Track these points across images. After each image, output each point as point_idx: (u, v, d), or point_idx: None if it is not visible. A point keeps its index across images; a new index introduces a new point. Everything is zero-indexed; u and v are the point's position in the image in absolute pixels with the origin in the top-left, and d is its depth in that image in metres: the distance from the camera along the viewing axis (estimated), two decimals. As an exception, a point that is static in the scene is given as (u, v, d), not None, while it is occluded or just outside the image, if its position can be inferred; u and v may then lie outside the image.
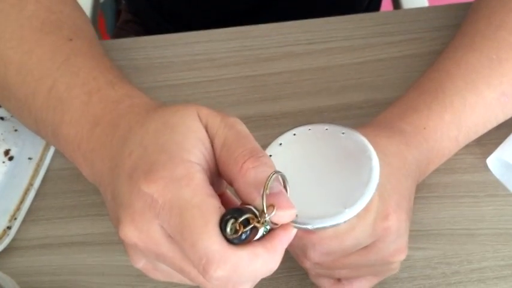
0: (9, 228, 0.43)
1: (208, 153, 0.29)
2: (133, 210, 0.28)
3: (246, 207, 0.27)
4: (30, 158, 0.46)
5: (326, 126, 0.35)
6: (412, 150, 0.39)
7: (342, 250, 0.34)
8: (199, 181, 0.28)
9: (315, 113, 0.48)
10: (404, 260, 0.40)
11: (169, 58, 0.52)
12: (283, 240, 0.28)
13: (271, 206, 0.27)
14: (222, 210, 0.27)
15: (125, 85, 0.36)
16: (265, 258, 0.27)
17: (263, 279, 0.29)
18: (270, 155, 0.33)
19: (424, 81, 0.42)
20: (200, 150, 0.29)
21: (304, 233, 0.33)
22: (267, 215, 0.27)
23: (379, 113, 0.42)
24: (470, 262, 0.41)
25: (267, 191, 0.27)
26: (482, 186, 0.43)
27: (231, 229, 0.27)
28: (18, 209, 0.44)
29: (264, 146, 0.32)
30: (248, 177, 0.28)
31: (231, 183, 0.29)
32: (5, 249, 0.43)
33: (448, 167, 0.44)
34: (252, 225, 0.27)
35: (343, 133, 0.35)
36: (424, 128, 0.40)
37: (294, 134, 0.35)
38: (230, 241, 0.27)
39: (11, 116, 0.48)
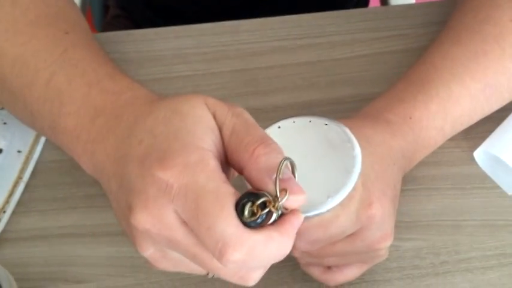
0: (-2, 220, 0.43)
1: (218, 142, 0.30)
2: (146, 196, 0.28)
3: (261, 192, 0.28)
4: (19, 151, 0.46)
5: (310, 119, 0.36)
6: (397, 139, 0.39)
7: (327, 238, 0.35)
8: (213, 167, 0.28)
9: (304, 106, 0.48)
10: (394, 250, 0.41)
11: (159, 52, 0.52)
12: (294, 225, 0.28)
13: (283, 191, 0.27)
14: (237, 195, 0.28)
15: (125, 77, 0.36)
16: (279, 242, 0.28)
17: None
18: None
19: (411, 73, 0.43)
20: (211, 138, 0.29)
21: None
22: (280, 199, 0.27)
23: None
24: (458, 252, 0.41)
25: (280, 176, 0.27)
26: (469, 179, 0.44)
27: (248, 212, 0.27)
28: (7, 202, 0.44)
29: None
30: (259, 163, 0.28)
31: (240, 171, 0.29)
32: (-5, 241, 0.42)
33: (436, 160, 0.45)
34: (269, 209, 0.27)
35: (326, 124, 0.35)
36: (410, 118, 0.40)
37: (279, 127, 0.36)
38: (246, 225, 0.27)
39: (1, 109, 0.47)
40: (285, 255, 0.28)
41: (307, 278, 0.40)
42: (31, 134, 0.46)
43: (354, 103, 0.48)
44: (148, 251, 0.30)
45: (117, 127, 0.32)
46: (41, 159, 0.46)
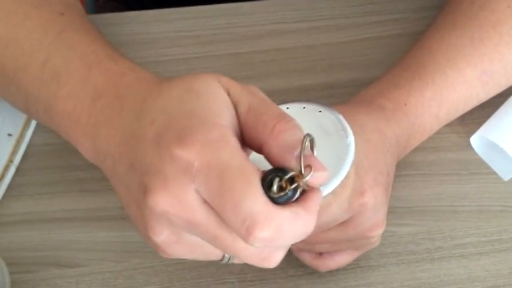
0: (-11, 204, 0.42)
1: (234, 120, 0.29)
2: (164, 176, 0.27)
3: (286, 168, 0.27)
4: (10, 134, 0.45)
5: (304, 105, 0.35)
6: (391, 126, 0.39)
7: (319, 226, 0.34)
8: (234, 144, 0.27)
9: (300, 91, 0.48)
10: (389, 236, 0.41)
11: (153, 34, 0.51)
12: (316, 202, 0.28)
13: (308, 167, 0.27)
14: (261, 172, 0.27)
15: (126, 59, 0.35)
16: (304, 219, 0.27)
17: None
18: None
19: (406, 59, 0.43)
20: (228, 116, 0.29)
21: None
22: (306, 175, 0.27)
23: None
24: (454, 238, 0.41)
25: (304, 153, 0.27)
26: (465, 164, 0.44)
27: (277, 187, 0.26)
28: (-3, 185, 0.43)
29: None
30: (281, 139, 0.28)
31: (259, 149, 0.29)
32: (-14, 225, 0.42)
33: (433, 145, 0.44)
34: (297, 184, 0.27)
35: (320, 111, 0.35)
36: (405, 104, 0.40)
37: None
38: (273, 201, 0.27)
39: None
40: (309, 233, 0.28)
41: (302, 263, 0.39)
42: (22, 117, 0.46)
43: (350, 88, 0.48)
44: (162, 235, 0.29)
45: (121, 109, 0.31)
46: (32, 142, 0.46)
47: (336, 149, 0.33)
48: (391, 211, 0.40)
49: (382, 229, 0.36)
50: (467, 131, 0.45)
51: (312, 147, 0.28)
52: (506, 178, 0.43)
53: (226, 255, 0.30)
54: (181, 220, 0.27)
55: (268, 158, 0.28)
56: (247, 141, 0.29)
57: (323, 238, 0.36)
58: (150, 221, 0.28)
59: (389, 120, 0.39)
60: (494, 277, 0.40)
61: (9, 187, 0.44)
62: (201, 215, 0.27)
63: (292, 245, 0.37)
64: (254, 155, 0.30)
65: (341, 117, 0.35)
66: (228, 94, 0.29)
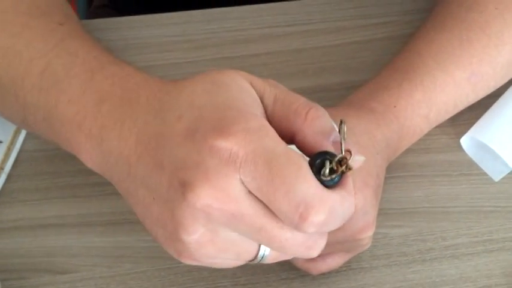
0: (-20, 211, 0.42)
1: (263, 111, 0.29)
2: (205, 168, 0.26)
3: (330, 152, 0.28)
4: (0, 142, 0.45)
5: None
6: (381, 128, 0.39)
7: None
8: (274, 132, 0.27)
9: (292, 94, 0.48)
10: (381, 237, 0.41)
11: (145, 39, 0.51)
12: (352, 186, 0.28)
13: (348, 152, 0.27)
14: (305, 157, 0.27)
15: (128, 64, 0.34)
16: (349, 202, 0.28)
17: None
18: None
19: (395, 61, 0.43)
20: (259, 107, 0.29)
21: None
22: (349, 158, 0.27)
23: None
24: (445, 239, 0.41)
25: (345, 136, 0.27)
26: (456, 166, 0.44)
27: (329, 170, 0.27)
28: (-12, 192, 0.43)
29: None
30: (315, 126, 0.28)
31: (290, 138, 0.29)
32: (-22, 232, 0.42)
33: (423, 147, 0.45)
34: (345, 165, 0.27)
35: None
36: (395, 106, 0.40)
37: None
38: (323, 184, 0.27)
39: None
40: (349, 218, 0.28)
41: (295, 266, 0.39)
42: (12, 124, 0.46)
43: (341, 90, 0.48)
44: (196, 234, 0.27)
45: (133, 110, 0.30)
46: (24, 148, 0.46)
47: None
48: (383, 213, 0.40)
49: (372, 231, 0.36)
50: (458, 132, 0.45)
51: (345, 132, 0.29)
52: (496, 179, 0.44)
53: (260, 252, 0.29)
54: (224, 213, 0.27)
55: (302, 145, 0.28)
56: (276, 132, 0.29)
57: None
58: (184, 219, 0.27)
59: (379, 122, 0.39)
60: (486, 277, 0.40)
61: (1, 193, 0.44)
62: (246, 206, 0.27)
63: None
64: None
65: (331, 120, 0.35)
66: (252, 87, 0.29)
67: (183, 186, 0.27)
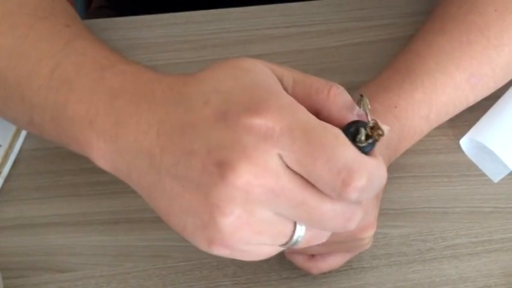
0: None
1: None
2: (243, 147, 0.27)
3: (360, 120, 0.29)
4: (-1, 145, 0.45)
5: None
6: None
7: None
8: (304, 108, 0.28)
9: (292, 95, 0.48)
10: (381, 237, 0.41)
11: (145, 39, 0.51)
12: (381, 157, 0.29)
13: (374, 121, 0.28)
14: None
15: (138, 64, 0.34)
16: (384, 169, 0.29)
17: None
18: None
19: (396, 62, 0.43)
20: (282, 88, 0.29)
21: None
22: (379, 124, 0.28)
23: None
24: (445, 239, 0.42)
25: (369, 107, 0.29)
26: (455, 167, 0.45)
27: (365, 136, 0.28)
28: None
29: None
30: (338, 102, 0.29)
31: (315, 115, 0.29)
32: (-22, 231, 0.42)
33: (423, 148, 0.45)
34: (379, 130, 0.28)
35: None
36: (395, 107, 0.40)
37: None
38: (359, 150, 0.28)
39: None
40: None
41: (296, 266, 0.39)
42: (11, 128, 0.45)
43: (341, 92, 0.48)
44: (233, 215, 0.27)
45: (149, 103, 0.30)
46: (24, 147, 0.46)
47: None
48: (383, 213, 0.41)
49: (372, 231, 0.37)
50: (457, 133, 0.45)
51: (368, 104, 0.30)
52: (495, 180, 0.44)
53: (296, 234, 0.29)
54: (264, 190, 0.27)
55: (328, 122, 0.29)
56: None
57: None
58: (220, 201, 0.27)
59: None
60: (485, 277, 0.40)
61: (1, 192, 0.44)
62: (286, 180, 0.27)
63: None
64: None
65: None
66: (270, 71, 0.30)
67: (221, 167, 0.27)
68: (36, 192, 0.44)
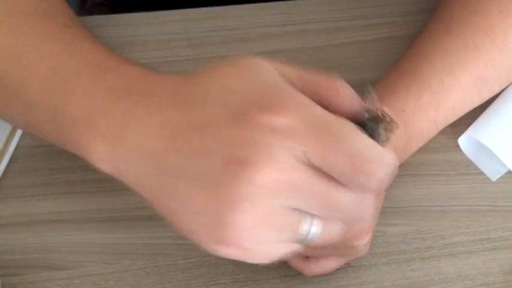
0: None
1: None
2: (264, 145, 0.27)
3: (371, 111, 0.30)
4: (-7, 145, 0.45)
5: None
6: None
7: None
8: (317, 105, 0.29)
9: (290, 93, 0.48)
10: (380, 235, 0.41)
11: (143, 37, 0.51)
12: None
13: (386, 113, 0.30)
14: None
15: (140, 65, 0.34)
16: (396, 159, 0.30)
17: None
18: None
19: (401, 64, 0.43)
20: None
21: None
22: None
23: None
24: (443, 237, 0.42)
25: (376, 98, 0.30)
26: (454, 165, 0.45)
27: (383, 129, 0.29)
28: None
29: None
30: (348, 97, 0.30)
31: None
32: (-26, 228, 0.41)
33: (422, 146, 0.45)
34: (393, 124, 0.30)
35: None
36: (403, 111, 0.40)
37: None
38: None
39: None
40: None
41: (294, 263, 0.40)
42: (5, 128, 0.44)
43: (339, 90, 0.48)
44: (249, 213, 0.27)
45: (158, 105, 0.30)
46: (21, 144, 0.45)
47: None
48: (382, 211, 0.40)
49: (367, 238, 0.36)
50: (456, 132, 0.45)
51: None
52: (494, 178, 0.44)
53: (312, 228, 0.30)
54: (286, 186, 0.28)
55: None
56: None
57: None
58: (237, 198, 0.27)
59: None
60: (484, 275, 0.40)
61: (-2, 189, 0.43)
62: (307, 175, 0.28)
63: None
64: None
65: None
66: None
67: (241, 165, 0.27)
68: (33, 189, 0.44)
